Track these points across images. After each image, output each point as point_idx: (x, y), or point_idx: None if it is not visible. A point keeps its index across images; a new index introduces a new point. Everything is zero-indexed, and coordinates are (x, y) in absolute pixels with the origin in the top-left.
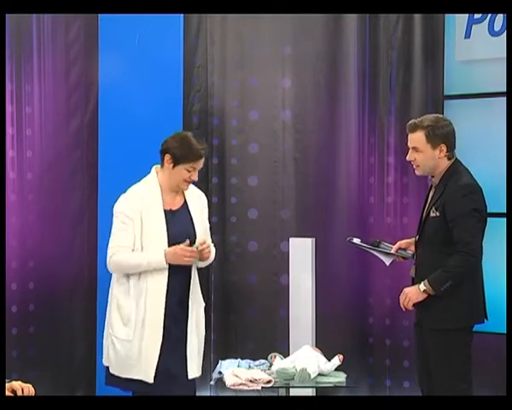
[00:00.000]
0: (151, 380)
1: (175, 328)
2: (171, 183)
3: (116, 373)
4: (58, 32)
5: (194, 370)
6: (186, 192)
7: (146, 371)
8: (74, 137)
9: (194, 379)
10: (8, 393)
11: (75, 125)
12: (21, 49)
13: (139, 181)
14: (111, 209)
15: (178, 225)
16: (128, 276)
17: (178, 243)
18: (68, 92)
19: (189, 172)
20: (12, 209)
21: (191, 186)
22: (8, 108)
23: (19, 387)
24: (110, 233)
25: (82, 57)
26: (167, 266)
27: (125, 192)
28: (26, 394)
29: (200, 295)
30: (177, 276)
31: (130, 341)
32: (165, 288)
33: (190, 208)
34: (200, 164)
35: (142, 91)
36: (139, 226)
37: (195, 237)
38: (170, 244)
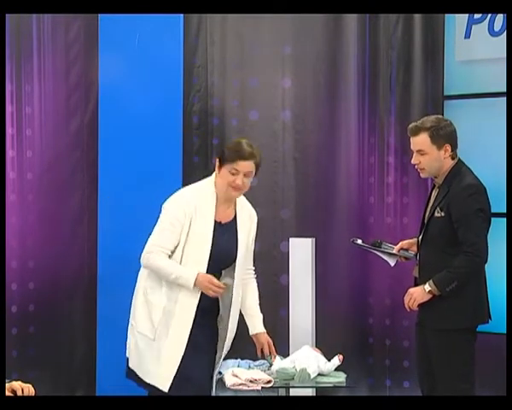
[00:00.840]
0: (166, 389)
1: (203, 337)
2: (220, 188)
3: (134, 369)
4: (58, 32)
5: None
6: (238, 206)
7: (163, 379)
8: (74, 137)
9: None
10: (8, 393)
11: (75, 125)
12: (21, 49)
13: (199, 181)
14: (111, 209)
15: (223, 241)
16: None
17: (219, 259)
18: (68, 92)
19: (232, 175)
20: (12, 209)
21: (245, 202)
22: (8, 108)
23: (19, 387)
24: (154, 227)
25: (82, 57)
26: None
27: (180, 190)
28: (26, 394)
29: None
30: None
31: (153, 339)
32: (198, 299)
33: (238, 225)
34: (246, 167)
35: (142, 91)
36: (186, 232)
37: (236, 257)
38: (211, 258)
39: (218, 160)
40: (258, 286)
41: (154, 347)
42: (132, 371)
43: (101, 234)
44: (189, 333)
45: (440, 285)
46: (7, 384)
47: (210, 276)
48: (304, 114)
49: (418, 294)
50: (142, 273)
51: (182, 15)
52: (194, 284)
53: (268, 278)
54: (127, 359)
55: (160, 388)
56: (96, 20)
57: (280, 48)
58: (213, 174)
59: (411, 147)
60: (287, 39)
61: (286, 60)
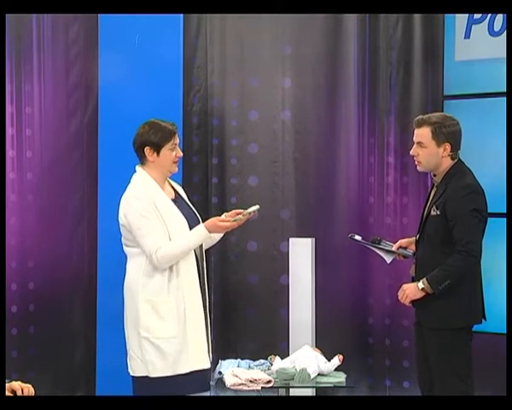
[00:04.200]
0: (208, 365)
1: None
2: (162, 171)
3: (162, 374)
4: (58, 32)
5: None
6: (172, 183)
7: (201, 360)
8: (74, 137)
9: None
10: (8, 393)
11: (75, 125)
12: (21, 49)
13: (128, 185)
14: (111, 209)
15: (185, 212)
16: (161, 275)
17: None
18: (68, 92)
19: (172, 151)
20: (12, 209)
21: (172, 182)
22: (8, 108)
23: (19, 387)
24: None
25: (82, 57)
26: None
27: (124, 198)
28: (25, 394)
29: None
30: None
31: (176, 337)
32: (197, 277)
33: (183, 197)
34: (177, 139)
35: (142, 91)
36: (160, 218)
37: (199, 221)
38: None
39: (149, 149)
40: (257, 286)
41: (179, 341)
42: (164, 378)
43: (101, 234)
44: (202, 310)
45: (433, 283)
46: (7, 384)
47: (213, 219)
48: (304, 114)
49: (411, 290)
50: (137, 283)
51: (182, 15)
52: (210, 232)
53: (268, 278)
54: (145, 377)
55: (206, 367)
56: (96, 20)
57: (280, 48)
58: (138, 168)
59: (413, 138)
60: (287, 39)
61: (286, 60)
